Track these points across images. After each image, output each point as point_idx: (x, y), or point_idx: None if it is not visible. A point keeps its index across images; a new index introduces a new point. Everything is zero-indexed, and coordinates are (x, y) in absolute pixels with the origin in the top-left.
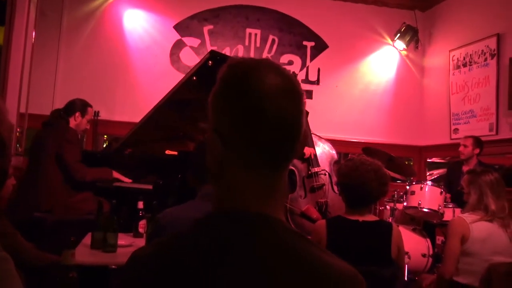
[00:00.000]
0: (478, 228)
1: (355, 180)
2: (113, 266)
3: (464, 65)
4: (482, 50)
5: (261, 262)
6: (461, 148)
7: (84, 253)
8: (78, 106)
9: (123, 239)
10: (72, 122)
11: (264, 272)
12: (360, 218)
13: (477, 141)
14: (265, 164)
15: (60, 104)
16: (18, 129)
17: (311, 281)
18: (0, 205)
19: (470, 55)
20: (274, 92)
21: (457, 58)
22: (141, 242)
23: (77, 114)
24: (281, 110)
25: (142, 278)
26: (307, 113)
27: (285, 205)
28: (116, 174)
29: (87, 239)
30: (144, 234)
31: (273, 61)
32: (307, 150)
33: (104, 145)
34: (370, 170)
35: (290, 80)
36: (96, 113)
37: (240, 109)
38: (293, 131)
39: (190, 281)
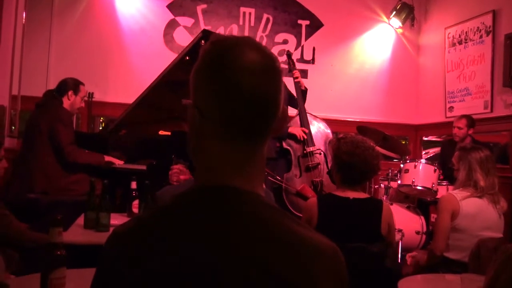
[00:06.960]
0: (468, 204)
1: (359, 158)
2: None
3: (460, 43)
4: (478, 27)
5: (233, 236)
6: (455, 131)
7: (77, 233)
8: (70, 84)
9: (117, 219)
10: (66, 102)
11: (236, 246)
12: (352, 195)
13: (470, 121)
14: (239, 139)
15: (53, 85)
16: (11, 111)
17: (285, 253)
18: None
19: (466, 32)
20: (252, 69)
21: (453, 36)
22: None
23: (70, 92)
24: (257, 87)
25: (122, 254)
26: (306, 89)
27: (281, 184)
28: (107, 158)
29: (80, 220)
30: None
31: (254, 39)
32: (298, 131)
33: (101, 127)
34: (369, 147)
35: (270, 58)
36: (91, 95)
37: (217, 83)
38: (269, 108)
39: (166, 256)
